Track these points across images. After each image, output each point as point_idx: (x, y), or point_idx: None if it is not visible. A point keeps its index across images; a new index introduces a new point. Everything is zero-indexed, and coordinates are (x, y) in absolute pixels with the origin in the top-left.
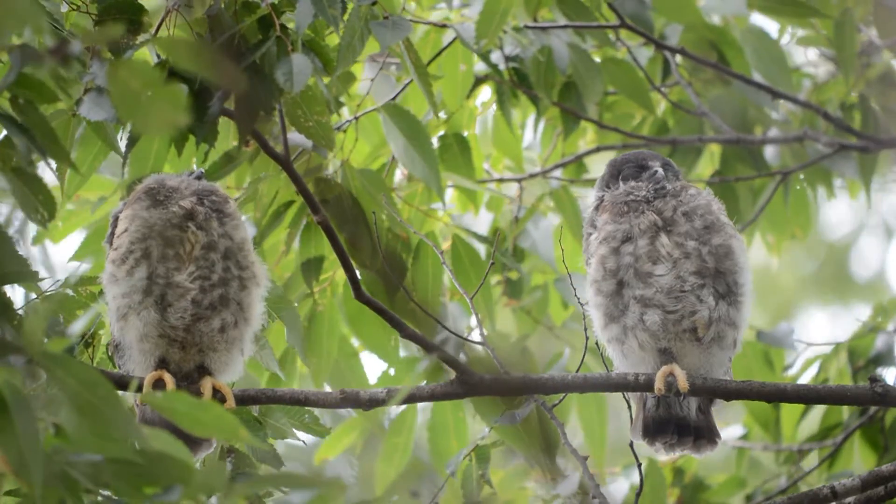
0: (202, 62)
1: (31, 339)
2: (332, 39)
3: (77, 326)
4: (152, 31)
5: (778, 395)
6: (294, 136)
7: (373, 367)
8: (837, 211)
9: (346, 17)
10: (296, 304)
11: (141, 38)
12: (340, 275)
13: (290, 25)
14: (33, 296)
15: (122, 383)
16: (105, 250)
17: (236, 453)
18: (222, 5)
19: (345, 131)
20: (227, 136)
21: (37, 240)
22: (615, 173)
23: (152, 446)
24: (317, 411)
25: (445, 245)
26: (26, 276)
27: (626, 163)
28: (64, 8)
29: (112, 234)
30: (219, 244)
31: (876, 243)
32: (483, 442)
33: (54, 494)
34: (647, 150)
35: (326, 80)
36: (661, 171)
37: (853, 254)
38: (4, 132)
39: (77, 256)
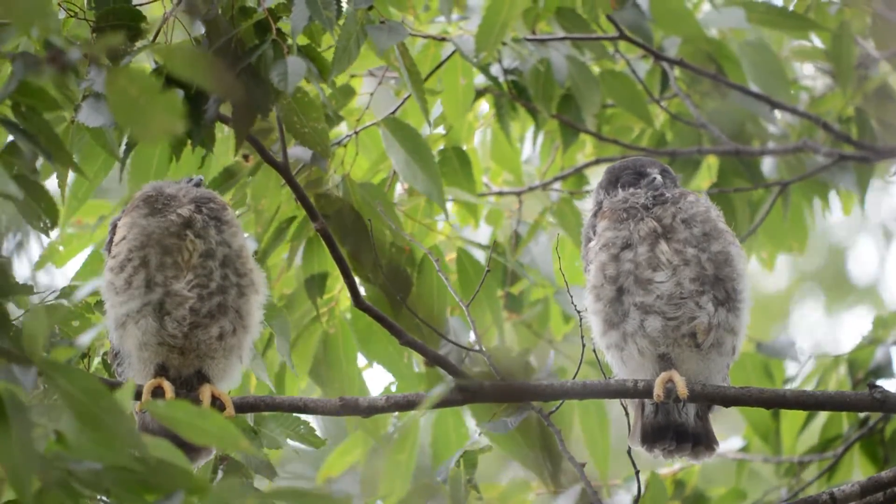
0: (198, 70)
1: (33, 346)
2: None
3: (86, 338)
4: (150, 37)
5: (777, 402)
6: (294, 151)
7: (374, 382)
8: (836, 214)
9: (341, 21)
10: (287, 316)
11: (139, 44)
12: (345, 294)
13: (287, 30)
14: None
15: None
16: (104, 257)
17: (229, 462)
18: (220, 10)
19: (345, 146)
20: (227, 149)
21: (39, 265)
22: (613, 180)
23: (152, 455)
24: (322, 425)
25: (449, 258)
26: (20, 289)
27: (624, 169)
28: (61, 15)
29: (110, 241)
30: (217, 252)
31: (875, 246)
32: (471, 448)
33: (54, 500)
34: (645, 157)
35: (323, 86)
36: (659, 177)
37: (851, 257)
38: (6, 141)
39: (81, 275)
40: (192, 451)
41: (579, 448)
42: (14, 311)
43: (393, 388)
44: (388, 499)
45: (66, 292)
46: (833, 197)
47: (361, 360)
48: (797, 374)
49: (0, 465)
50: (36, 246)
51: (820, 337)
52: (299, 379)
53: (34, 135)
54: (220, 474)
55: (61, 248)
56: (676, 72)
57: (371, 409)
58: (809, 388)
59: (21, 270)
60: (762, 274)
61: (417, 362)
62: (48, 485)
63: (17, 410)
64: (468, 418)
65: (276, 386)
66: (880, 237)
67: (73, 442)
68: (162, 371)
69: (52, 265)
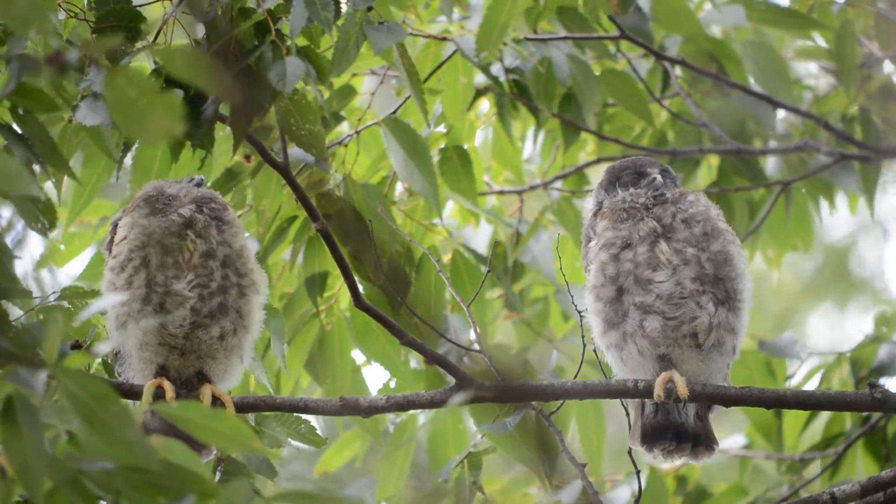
0: (198, 71)
1: (49, 351)
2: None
3: (104, 349)
4: (150, 38)
5: (777, 402)
6: (295, 152)
7: (373, 380)
8: (836, 213)
9: (341, 21)
10: (284, 317)
11: (138, 45)
12: (345, 292)
13: (287, 31)
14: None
15: (123, 391)
16: (104, 257)
17: (229, 462)
18: (219, 11)
19: (346, 146)
20: (228, 148)
21: (41, 264)
22: (613, 180)
23: (159, 462)
24: (316, 423)
25: (446, 258)
26: (19, 292)
27: (624, 169)
28: (62, 15)
29: (111, 241)
30: (217, 252)
31: (875, 244)
32: (475, 449)
33: (65, 501)
34: (645, 157)
35: (320, 87)
36: (659, 177)
37: (853, 255)
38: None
39: (85, 276)
40: (193, 449)
41: (575, 447)
42: (14, 311)
43: (392, 385)
44: (386, 496)
45: (68, 293)
46: (840, 196)
47: (359, 357)
48: (795, 373)
49: (9, 465)
50: (37, 243)
51: (823, 335)
52: (299, 377)
53: (30, 140)
54: (218, 474)
55: (62, 247)
56: (678, 71)
57: (371, 409)
58: (812, 386)
59: (22, 268)
60: (766, 272)
61: (416, 359)
62: (59, 484)
63: (27, 411)
64: (466, 415)
65: (275, 385)
66: (880, 236)
67: (85, 442)
68: (162, 371)
69: (52, 265)
